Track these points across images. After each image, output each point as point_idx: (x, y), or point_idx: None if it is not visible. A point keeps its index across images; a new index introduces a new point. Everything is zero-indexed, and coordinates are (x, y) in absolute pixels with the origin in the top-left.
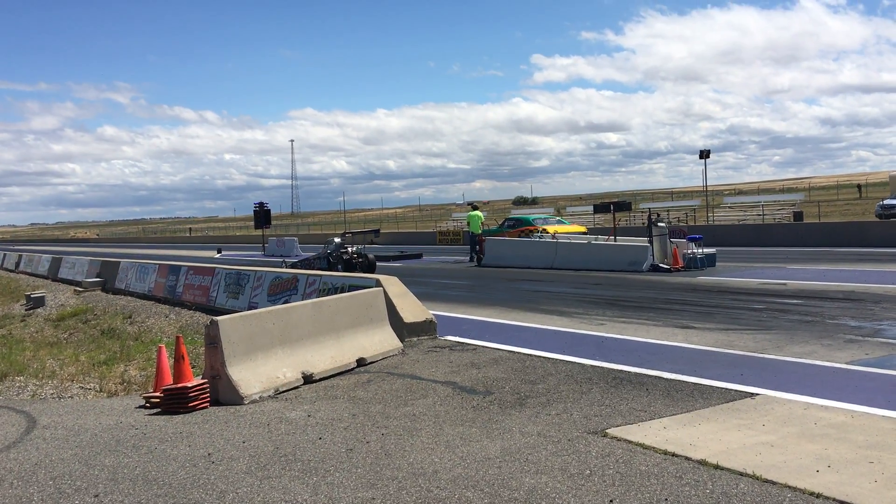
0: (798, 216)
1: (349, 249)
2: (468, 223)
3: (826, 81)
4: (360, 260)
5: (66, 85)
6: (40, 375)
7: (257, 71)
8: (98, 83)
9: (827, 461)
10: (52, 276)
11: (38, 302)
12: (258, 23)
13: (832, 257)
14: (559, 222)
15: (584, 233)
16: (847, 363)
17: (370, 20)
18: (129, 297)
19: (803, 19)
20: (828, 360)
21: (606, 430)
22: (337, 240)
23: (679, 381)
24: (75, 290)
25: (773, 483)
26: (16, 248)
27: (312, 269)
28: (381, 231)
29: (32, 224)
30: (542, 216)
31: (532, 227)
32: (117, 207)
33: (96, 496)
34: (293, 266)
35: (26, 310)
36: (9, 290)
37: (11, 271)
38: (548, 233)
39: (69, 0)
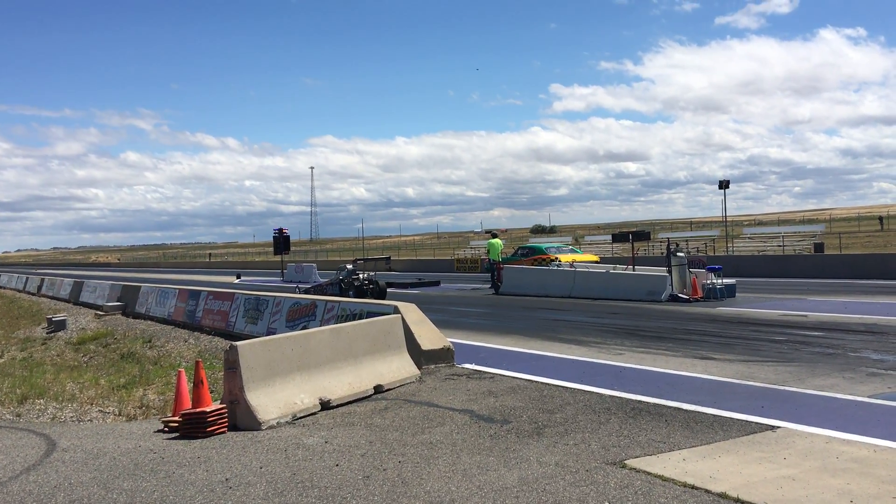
0: (819, 248)
1: (360, 276)
2: (488, 251)
3: (847, 112)
4: (371, 286)
5: (91, 111)
6: (60, 398)
7: (278, 98)
8: (122, 110)
9: (849, 496)
10: (74, 299)
11: (60, 325)
12: (280, 51)
13: (853, 289)
14: (572, 251)
15: (596, 262)
16: (869, 397)
17: (390, 49)
18: (149, 322)
19: (823, 51)
20: (850, 394)
21: (625, 462)
22: (349, 266)
23: (699, 412)
24: (96, 314)
25: None
26: (38, 271)
27: (325, 294)
28: (400, 258)
29: (55, 248)
30: (556, 245)
31: (545, 256)
32: (139, 232)
33: None
34: (306, 292)
35: (47, 333)
36: (30, 313)
37: (33, 295)
38: (560, 261)
39: (94, 28)
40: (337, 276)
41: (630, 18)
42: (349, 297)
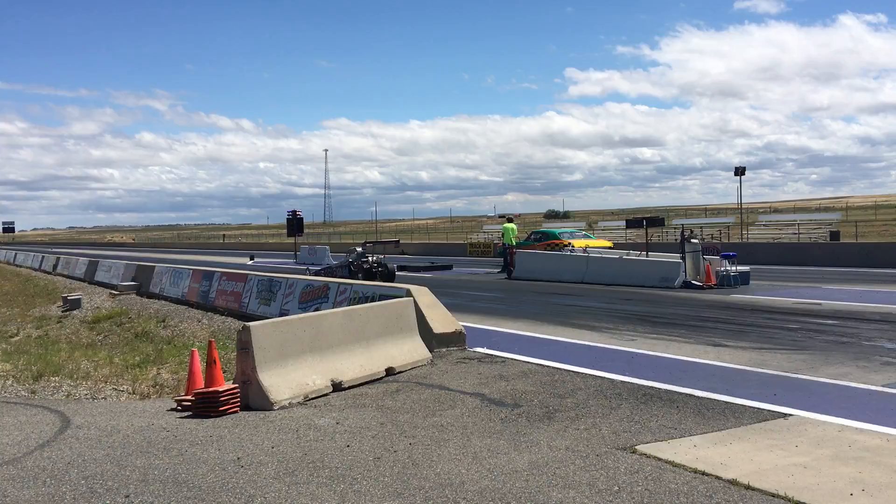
0: (835, 236)
1: (370, 259)
2: (502, 235)
3: (866, 100)
4: (380, 269)
5: (106, 91)
6: (75, 376)
7: (293, 80)
8: (137, 90)
9: (861, 485)
10: (89, 279)
11: (75, 304)
12: (295, 33)
13: (869, 278)
14: (585, 236)
15: (609, 248)
16: (883, 386)
17: (405, 32)
18: (163, 302)
19: (843, 37)
20: (863, 382)
21: (636, 447)
22: (358, 249)
23: (710, 399)
24: (111, 294)
25: None
26: (54, 250)
27: (334, 276)
28: (413, 242)
29: (70, 227)
30: (569, 230)
31: (558, 241)
32: (153, 213)
33: (127, 496)
34: (317, 274)
35: (63, 311)
36: (46, 291)
37: (49, 273)
38: (574, 247)
39: (110, 7)
40: (347, 258)
41: (647, 2)
42: (358, 279)
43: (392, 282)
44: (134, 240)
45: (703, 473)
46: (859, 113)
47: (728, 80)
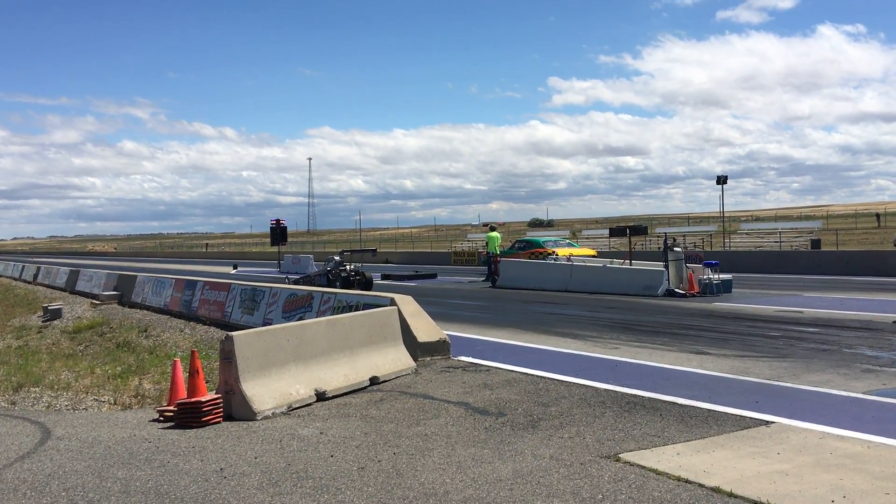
0: (815, 244)
1: (347, 267)
2: (486, 244)
3: (846, 109)
4: (358, 277)
5: (87, 99)
6: (55, 387)
7: (276, 89)
8: (119, 98)
9: (842, 491)
10: (70, 288)
11: (56, 314)
12: (278, 41)
13: (850, 286)
14: (570, 245)
15: (593, 256)
16: (864, 393)
17: (389, 41)
18: (145, 311)
19: (823, 47)
20: (844, 390)
21: (619, 455)
22: (337, 258)
23: (693, 406)
24: (92, 303)
25: None
26: (34, 260)
27: (313, 285)
28: (398, 251)
29: (51, 237)
30: (553, 239)
31: (542, 250)
32: (135, 222)
33: None
34: (295, 282)
35: (43, 321)
36: (26, 301)
37: (29, 283)
38: (557, 255)
39: (90, 16)
40: (325, 266)
41: (629, 12)
42: (336, 287)
43: (370, 290)
44: (115, 249)
45: (687, 481)
46: (840, 122)
47: (710, 90)
